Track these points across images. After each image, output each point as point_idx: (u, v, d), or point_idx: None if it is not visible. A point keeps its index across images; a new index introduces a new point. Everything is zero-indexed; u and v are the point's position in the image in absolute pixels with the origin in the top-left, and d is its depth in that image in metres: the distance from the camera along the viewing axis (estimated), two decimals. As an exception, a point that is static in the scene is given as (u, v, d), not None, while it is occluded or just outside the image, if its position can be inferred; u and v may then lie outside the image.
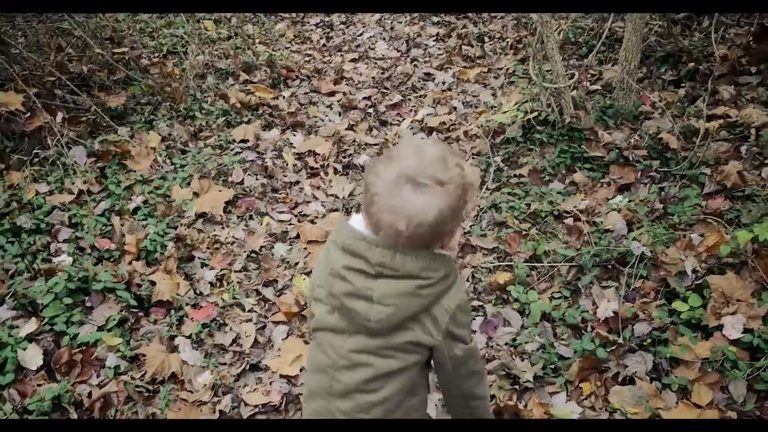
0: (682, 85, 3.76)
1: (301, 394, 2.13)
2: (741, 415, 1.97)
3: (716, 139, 3.16)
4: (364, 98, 4.32)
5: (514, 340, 2.36)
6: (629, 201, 2.87)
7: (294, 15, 5.85)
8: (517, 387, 2.17)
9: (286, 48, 5.13)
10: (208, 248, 2.86)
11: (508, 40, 4.89)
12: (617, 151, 3.17)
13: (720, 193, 2.84)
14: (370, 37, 5.40)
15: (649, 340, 2.23)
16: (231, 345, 2.42)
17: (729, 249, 2.30)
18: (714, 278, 2.30)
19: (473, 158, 3.45)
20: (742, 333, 2.12)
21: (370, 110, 4.16)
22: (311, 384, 1.41)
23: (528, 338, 2.34)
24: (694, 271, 2.36)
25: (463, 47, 4.90)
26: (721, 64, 3.80)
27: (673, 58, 4.01)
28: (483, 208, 3.02)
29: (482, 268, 2.71)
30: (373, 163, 1.17)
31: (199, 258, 2.80)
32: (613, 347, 2.21)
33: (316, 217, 3.16)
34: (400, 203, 1.15)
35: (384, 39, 5.32)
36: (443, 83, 4.44)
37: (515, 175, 3.21)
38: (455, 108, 4.06)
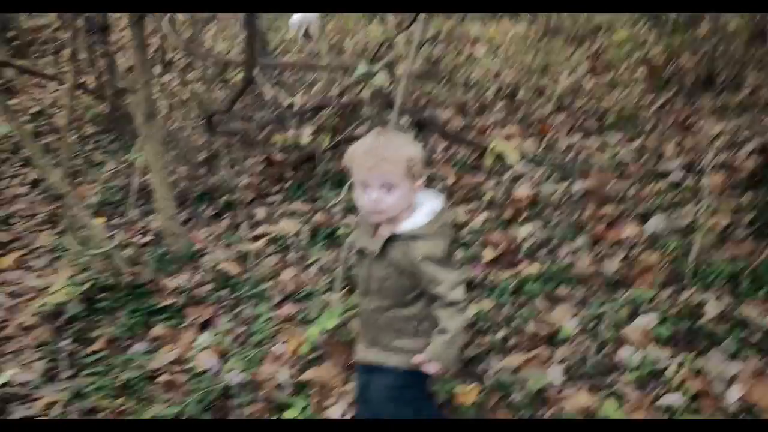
0: (223, 217, 4.12)
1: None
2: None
3: (266, 255, 3.54)
4: None
5: None
6: (215, 335, 2.94)
7: None
8: None
9: None
10: None
11: (41, 215, 4.57)
12: (186, 293, 3.24)
13: (286, 300, 3.16)
14: None
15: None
16: None
17: (309, 346, 2.57)
18: (308, 374, 2.52)
19: (38, 350, 3.04)
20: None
21: None
22: None
23: None
24: (291, 376, 2.55)
25: (-14, 236, 4.35)
26: (249, 191, 4.33)
27: (208, 195, 4.37)
28: (63, 402, 2.67)
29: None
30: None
31: None
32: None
33: None
34: None
35: None
36: (-27, 281, 3.84)
37: (91, 353, 2.95)
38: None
